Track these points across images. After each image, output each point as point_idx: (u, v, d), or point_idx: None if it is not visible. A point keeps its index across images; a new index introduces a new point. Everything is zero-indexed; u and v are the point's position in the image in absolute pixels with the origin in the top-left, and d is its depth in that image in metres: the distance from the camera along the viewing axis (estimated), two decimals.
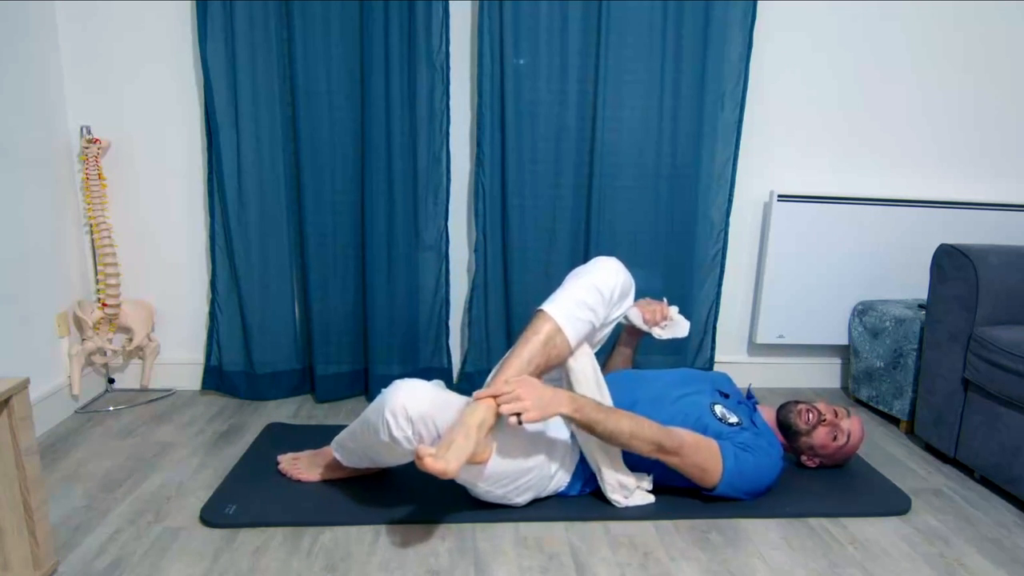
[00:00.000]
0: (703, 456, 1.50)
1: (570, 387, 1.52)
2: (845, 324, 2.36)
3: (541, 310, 1.49)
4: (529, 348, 1.44)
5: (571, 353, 1.51)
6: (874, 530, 1.53)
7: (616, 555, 1.41)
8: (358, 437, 1.50)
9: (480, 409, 1.34)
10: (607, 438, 1.44)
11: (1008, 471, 1.66)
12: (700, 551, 1.43)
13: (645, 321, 1.72)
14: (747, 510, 1.57)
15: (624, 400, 1.58)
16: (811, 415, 1.68)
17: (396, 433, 1.35)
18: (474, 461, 1.37)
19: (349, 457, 1.57)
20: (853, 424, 1.71)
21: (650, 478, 1.60)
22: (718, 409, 1.61)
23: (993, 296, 1.76)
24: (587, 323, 1.50)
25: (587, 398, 1.44)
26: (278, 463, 1.68)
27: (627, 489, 1.56)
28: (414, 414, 1.34)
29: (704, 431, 1.55)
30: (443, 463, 1.27)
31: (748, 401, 1.74)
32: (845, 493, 1.67)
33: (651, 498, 1.58)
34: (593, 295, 1.51)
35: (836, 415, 1.70)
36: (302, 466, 1.66)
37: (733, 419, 1.59)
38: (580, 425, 1.42)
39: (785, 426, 1.70)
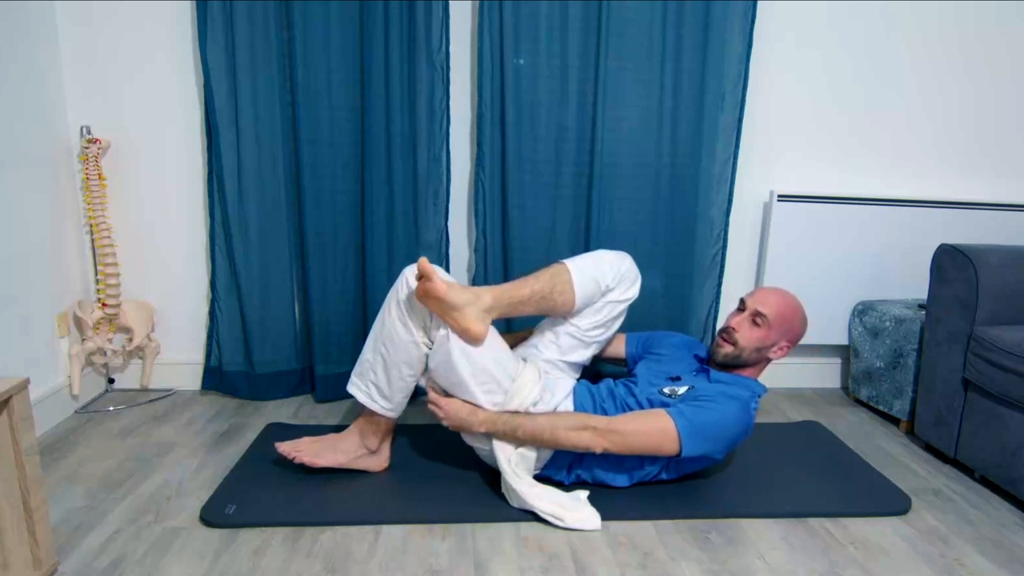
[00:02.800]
0: (647, 422, 1.52)
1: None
2: (845, 324, 2.36)
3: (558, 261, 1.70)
4: (536, 274, 1.65)
5: (574, 302, 1.64)
6: (874, 530, 1.53)
7: (616, 555, 1.41)
8: (376, 334, 1.62)
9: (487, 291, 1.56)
10: (532, 439, 1.54)
11: (1008, 471, 1.66)
12: (700, 551, 1.43)
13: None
14: (747, 510, 1.58)
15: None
16: (725, 334, 1.68)
17: (413, 284, 1.53)
18: (465, 325, 1.50)
19: (363, 381, 1.63)
20: (760, 296, 1.68)
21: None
22: (666, 390, 1.64)
23: (993, 296, 1.76)
24: (592, 279, 1.64)
25: (502, 414, 1.55)
26: (276, 449, 1.64)
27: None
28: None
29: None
30: (437, 273, 1.48)
31: (701, 365, 1.75)
32: (845, 493, 1.67)
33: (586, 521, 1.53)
34: (606, 258, 1.69)
35: (739, 311, 1.70)
36: (305, 449, 1.65)
37: (682, 390, 1.62)
38: (503, 438, 1.55)
39: (728, 363, 1.69)
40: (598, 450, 1.51)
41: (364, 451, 1.67)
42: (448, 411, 1.56)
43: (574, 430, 1.51)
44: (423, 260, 1.46)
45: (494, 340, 1.59)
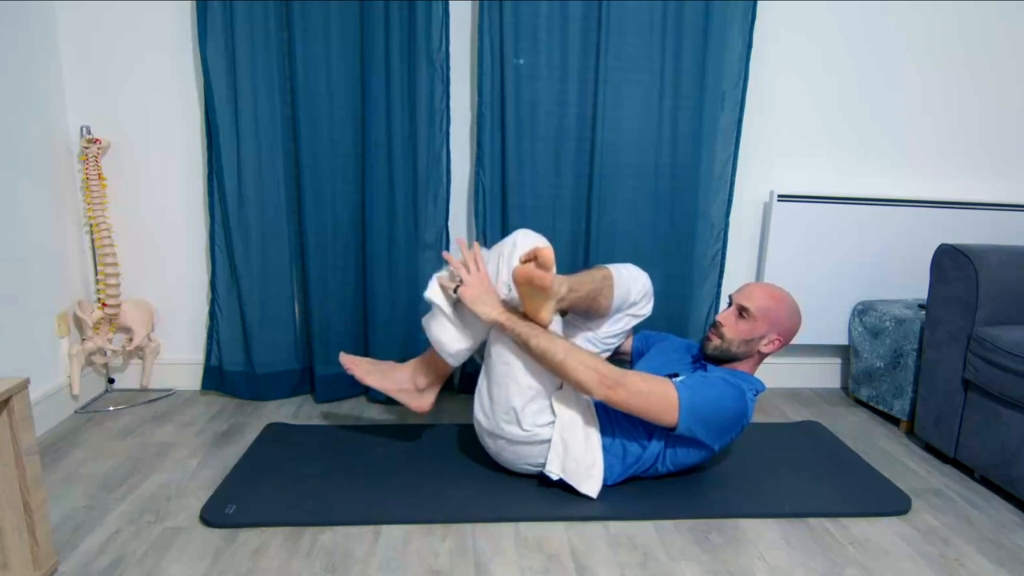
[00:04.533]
0: (654, 385, 1.52)
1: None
2: (845, 324, 2.36)
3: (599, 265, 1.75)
4: (590, 273, 1.66)
5: (611, 308, 1.69)
6: (874, 530, 1.54)
7: (616, 555, 1.41)
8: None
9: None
10: (541, 355, 1.52)
11: (1008, 471, 1.66)
12: (700, 551, 1.43)
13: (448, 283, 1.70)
14: (747, 510, 1.58)
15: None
16: (714, 329, 1.70)
17: (516, 256, 1.55)
18: (543, 314, 1.51)
19: (435, 318, 1.65)
20: (745, 291, 1.69)
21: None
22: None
23: (993, 296, 1.76)
24: (627, 288, 1.69)
25: (527, 320, 1.55)
26: (340, 358, 1.77)
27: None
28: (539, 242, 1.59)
29: None
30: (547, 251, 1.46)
31: (697, 364, 1.76)
32: (845, 493, 1.67)
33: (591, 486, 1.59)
34: (638, 275, 1.73)
35: (728, 306, 1.72)
36: (362, 366, 1.73)
37: (681, 378, 1.64)
38: (514, 338, 1.55)
39: (718, 356, 1.70)
40: (597, 395, 1.51)
41: (412, 387, 1.73)
42: (475, 282, 1.56)
43: (584, 366, 1.50)
44: (550, 251, 1.45)
45: None
